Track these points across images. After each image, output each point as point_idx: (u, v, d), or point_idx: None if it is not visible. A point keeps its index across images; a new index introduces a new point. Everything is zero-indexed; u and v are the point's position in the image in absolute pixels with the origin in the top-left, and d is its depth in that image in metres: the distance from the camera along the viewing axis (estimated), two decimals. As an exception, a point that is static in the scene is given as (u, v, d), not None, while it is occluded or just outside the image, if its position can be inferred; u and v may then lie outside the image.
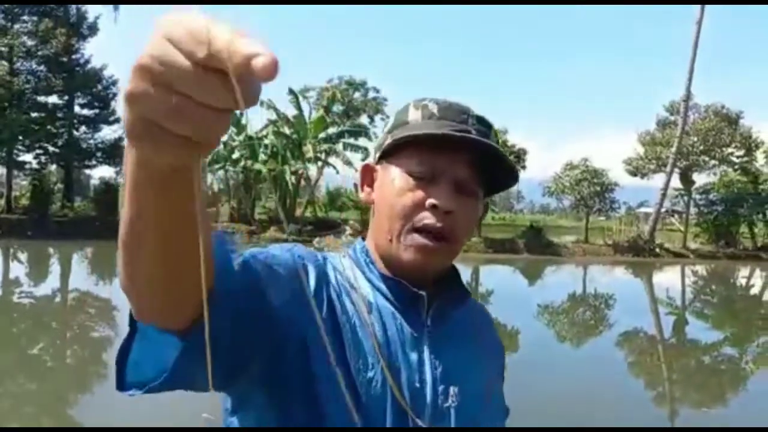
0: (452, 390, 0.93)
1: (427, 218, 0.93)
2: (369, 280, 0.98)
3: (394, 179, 0.96)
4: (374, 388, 0.87)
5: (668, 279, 22.90)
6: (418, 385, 0.90)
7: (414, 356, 0.92)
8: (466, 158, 0.95)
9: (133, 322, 0.73)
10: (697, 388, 7.87)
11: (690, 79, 29.52)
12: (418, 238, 0.93)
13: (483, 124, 0.99)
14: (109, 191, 29.40)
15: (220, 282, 0.70)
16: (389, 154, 0.99)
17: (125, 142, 0.53)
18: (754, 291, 20.36)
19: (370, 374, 0.87)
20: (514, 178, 1.00)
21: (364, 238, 1.06)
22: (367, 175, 1.04)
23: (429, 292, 0.96)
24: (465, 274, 20.12)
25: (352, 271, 0.98)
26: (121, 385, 0.74)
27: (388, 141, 0.98)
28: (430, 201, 0.93)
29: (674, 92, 36.90)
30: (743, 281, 23.05)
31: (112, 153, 32.95)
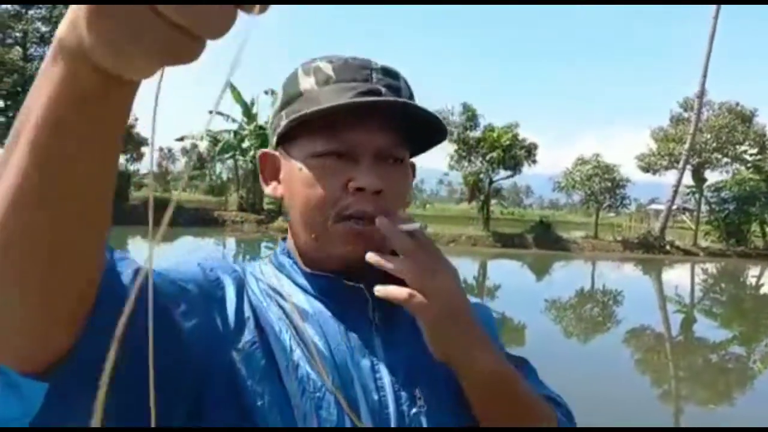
0: (417, 392, 0.78)
1: (353, 204, 0.78)
2: (297, 285, 0.83)
3: (302, 167, 0.80)
4: (326, 412, 0.72)
5: (678, 276, 22.78)
6: (376, 396, 0.75)
7: (366, 363, 0.77)
8: (381, 123, 0.79)
9: None
10: (704, 386, 7.83)
11: (704, 76, 29.27)
12: (348, 226, 0.78)
13: (390, 75, 0.83)
14: (119, 178, 29.66)
15: (108, 285, 0.58)
16: (288, 137, 0.82)
17: (50, 58, 0.44)
18: (765, 290, 20.21)
19: (318, 396, 0.72)
20: (441, 131, 0.84)
21: (284, 239, 0.90)
22: (268, 166, 0.88)
23: (368, 283, 0.80)
24: (473, 268, 20.15)
25: (276, 278, 0.83)
26: None
27: (284, 122, 0.81)
28: (353, 184, 0.77)
29: (688, 89, 36.56)
30: (753, 280, 22.88)
31: (123, 140, 33.20)
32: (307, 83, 0.81)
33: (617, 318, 12.89)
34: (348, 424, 0.71)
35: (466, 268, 20.05)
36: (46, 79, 0.44)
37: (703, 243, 30.69)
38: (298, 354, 0.74)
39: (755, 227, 31.60)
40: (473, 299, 0.94)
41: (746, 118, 31.45)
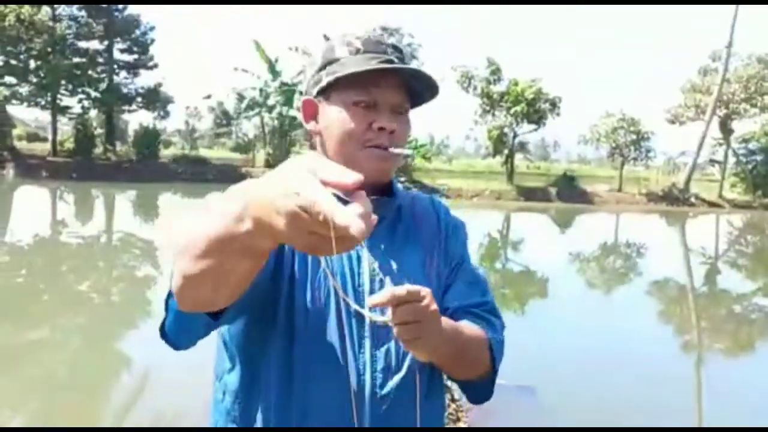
0: (388, 280, 1.12)
1: (375, 138, 1.10)
2: None
3: (341, 110, 1.12)
4: (323, 290, 1.09)
5: (702, 229, 22.68)
6: (357, 279, 1.11)
7: (353, 255, 1.13)
8: (395, 83, 1.12)
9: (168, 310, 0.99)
10: (727, 336, 7.89)
11: (733, 26, 28.59)
12: (375, 151, 1.11)
13: (397, 50, 1.15)
14: (148, 136, 29.97)
15: None
16: (328, 90, 1.14)
17: (241, 223, 0.73)
18: (791, 242, 20.09)
19: (320, 278, 1.09)
20: (434, 90, 1.17)
21: None
22: (311, 109, 1.18)
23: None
24: (497, 222, 20.28)
25: None
26: (176, 347, 1.04)
27: (328, 79, 1.12)
28: (376, 124, 1.10)
29: (718, 43, 35.62)
30: (779, 232, 22.73)
31: (151, 98, 33.44)
32: (341, 52, 1.13)
33: (640, 270, 12.96)
34: (332, 292, 1.08)
35: (489, 221, 20.22)
36: (225, 241, 0.77)
37: (729, 195, 30.40)
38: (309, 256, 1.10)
39: (783, 178, 31.22)
40: (452, 214, 1.33)
41: (776, 67, 30.74)
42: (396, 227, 1.21)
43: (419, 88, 1.16)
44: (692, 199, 28.77)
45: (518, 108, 26.62)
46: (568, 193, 27.51)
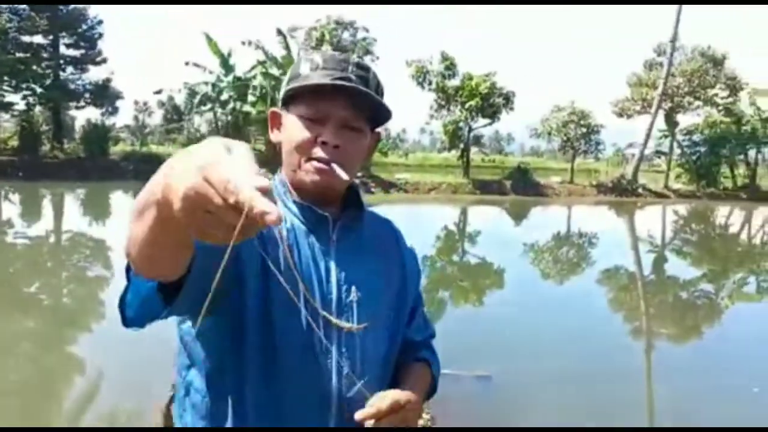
0: (353, 289, 1.18)
1: (318, 152, 1.15)
2: (286, 206, 1.20)
3: (293, 123, 1.17)
4: (293, 290, 1.09)
5: (649, 218, 23.28)
6: (325, 287, 1.16)
7: (322, 265, 1.17)
8: (345, 101, 1.15)
9: (128, 278, 0.97)
10: (674, 322, 8.13)
11: (677, 21, 29.38)
12: (315, 164, 1.15)
13: (361, 68, 1.19)
14: (97, 132, 29.25)
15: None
16: (288, 102, 1.20)
17: (157, 193, 0.69)
18: (733, 230, 20.78)
19: (290, 283, 1.08)
20: (388, 115, 1.22)
21: (280, 171, 1.27)
22: (275, 120, 1.25)
23: (334, 214, 1.21)
24: (453, 215, 20.49)
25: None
26: (125, 323, 1.00)
27: (285, 90, 1.20)
28: (320, 138, 1.15)
29: (663, 35, 36.54)
30: (722, 220, 23.49)
31: (99, 94, 32.62)
32: (304, 68, 1.18)
33: (592, 259, 13.28)
34: (303, 302, 1.11)
35: (446, 215, 20.39)
36: (150, 209, 0.73)
37: (675, 185, 31.31)
38: (279, 253, 1.11)
39: (725, 169, 32.27)
40: (407, 242, 1.42)
41: (718, 62, 31.69)
42: (362, 238, 1.26)
43: (378, 109, 1.20)
44: (640, 190, 29.54)
45: (473, 102, 26.86)
46: (522, 185, 27.93)
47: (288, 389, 1.11)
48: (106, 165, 27.38)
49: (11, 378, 5.08)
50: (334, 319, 1.13)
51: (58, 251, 11.42)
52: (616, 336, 7.28)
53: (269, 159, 28.21)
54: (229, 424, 1.12)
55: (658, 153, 38.68)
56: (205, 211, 0.60)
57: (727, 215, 24.68)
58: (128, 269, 0.94)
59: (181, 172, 0.61)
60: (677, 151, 33.22)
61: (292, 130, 1.17)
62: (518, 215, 22.25)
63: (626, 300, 9.57)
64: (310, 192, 1.18)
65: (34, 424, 4.18)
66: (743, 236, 19.16)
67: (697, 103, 32.11)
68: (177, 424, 1.22)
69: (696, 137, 32.18)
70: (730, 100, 31.70)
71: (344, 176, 1.14)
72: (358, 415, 1.10)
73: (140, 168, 27.24)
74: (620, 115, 34.17)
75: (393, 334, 1.28)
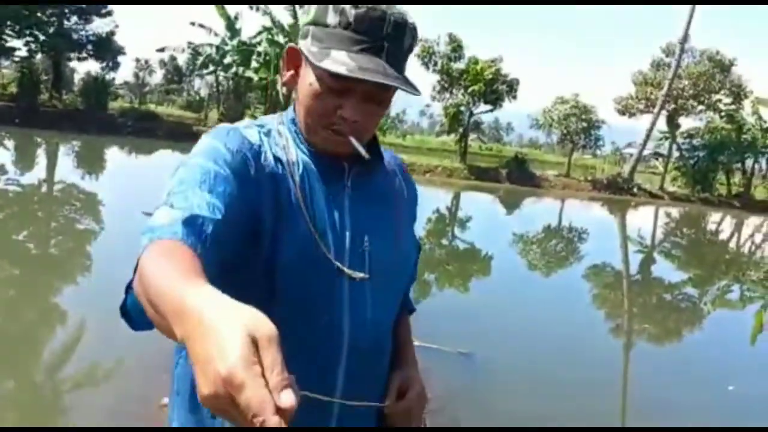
0: (366, 238, 1.14)
1: (336, 124, 1.08)
2: (300, 149, 1.14)
3: (313, 83, 1.07)
4: (305, 240, 1.07)
5: (642, 218, 23.39)
6: (338, 235, 1.11)
7: (336, 213, 1.12)
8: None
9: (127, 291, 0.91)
10: (655, 323, 8.20)
11: (689, 22, 29.25)
12: (333, 137, 1.09)
13: (398, 28, 1.05)
14: (97, 86, 29.01)
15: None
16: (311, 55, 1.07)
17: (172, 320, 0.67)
18: (723, 237, 20.90)
19: (302, 229, 1.06)
20: (415, 91, 1.10)
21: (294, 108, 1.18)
22: (292, 59, 1.13)
23: (349, 162, 1.15)
24: (446, 198, 20.50)
25: (286, 140, 1.14)
26: (133, 326, 0.93)
27: (312, 49, 1.06)
28: (340, 112, 1.06)
29: (672, 35, 36.42)
30: (713, 226, 23.60)
31: (102, 47, 32.27)
32: (332, 20, 1.04)
33: (580, 254, 13.36)
34: (315, 249, 1.07)
35: (440, 198, 20.41)
36: (167, 318, 0.69)
37: (670, 188, 31.40)
38: (293, 198, 1.08)
39: (721, 175, 32.33)
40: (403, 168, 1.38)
41: (725, 67, 31.64)
42: (376, 186, 1.22)
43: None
44: (635, 189, 29.61)
45: (476, 87, 26.75)
46: (518, 175, 27.95)
47: (293, 344, 1.05)
48: (104, 119, 27.20)
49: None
50: (346, 269, 1.09)
51: (49, 201, 11.38)
52: (596, 327, 7.37)
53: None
54: None
55: (657, 155, 38.75)
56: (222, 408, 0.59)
57: (719, 222, 24.80)
58: (129, 286, 0.90)
59: (204, 360, 0.59)
60: (676, 153, 33.26)
61: (309, 93, 1.08)
62: (511, 204, 22.29)
63: (609, 297, 9.65)
64: (323, 151, 1.14)
65: (11, 373, 4.20)
66: (732, 244, 19.27)
67: (700, 107, 32.11)
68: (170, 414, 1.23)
69: (696, 141, 32.20)
70: (733, 107, 31.69)
71: (362, 151, 1.07)
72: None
73: (138, 125, 27.09)
74: (623, 112, 34.13)
75: (401, 283, 1.27)
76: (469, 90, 27.05)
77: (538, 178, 28.79)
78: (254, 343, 0.57)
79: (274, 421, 0.54)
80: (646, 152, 34.30)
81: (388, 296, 1.20)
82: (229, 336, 0.57)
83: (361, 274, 1.11)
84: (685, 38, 29.54)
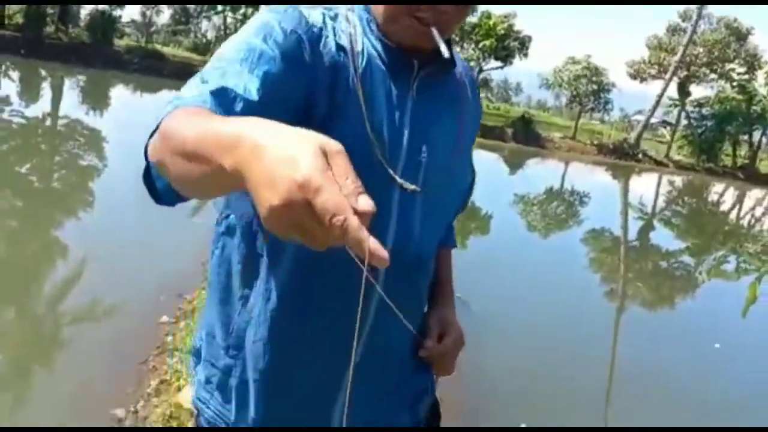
0: (424, 147, 1.03)
1: (423, 12, 0.97)
2: (368, 39, 1.01)
3: None
4: (359, 139, 0.95)
5: (644, 185, 23.36)
6: (395, 140, 1.00)
7: (396, 115, 1.01)
8: None
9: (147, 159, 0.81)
10: (650, 289, 8.30)
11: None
12: (413, 23, 0.98)
13: None
14: (103, 21, 28.60)
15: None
16: None
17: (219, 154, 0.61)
18: (724, 208, 20.92)
19: (357, 127, 0.96)
20: None
21: None
22: None
23: (420, 61, 1.03)
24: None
25: (354, 28, 1.01)
26: (156, 198, 0.84)
27: None
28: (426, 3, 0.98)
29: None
30: (715, 197, 23.62)
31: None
32: None
33: (580, 218, 13.42)
34: (370, 152, 0.97)
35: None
36: (210, 157, 0.63)
37: (675, 156, 31.28)
38: (352, 95, 0.97)
39: (727, 146, 32.19)
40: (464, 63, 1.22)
41: (741, 36, 31.19)
42: (444, 92, 1.10)
43: None
44: (640, 156, 29.49)
45: (487, 42, 26.40)
46: (524, 135, 27.80)
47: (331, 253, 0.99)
48: (110, 55, 26.87)
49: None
50: (399, 178, 0.99)
51: (53, 135, 11.35)
52: (592, 289, 7.47)
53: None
54: (256, 293, 1.02)
55: (665, 123, 38.46)
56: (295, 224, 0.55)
57: (721, 193, 24.79)
58: (147, 149, 0.80)
59: (271, 172, 0.55)
60: (684, 122, 33.02)
61: None
62: (515, 164, 22.22)
63: (606, 261, 9.72)
64: (397, 41, 1.01)
65: (13, 303, 4.27)
66: (732, 216, 19.31)
67: (713, 75, 31.73)
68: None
69: (705, 110, 31.92)
70: (746, 77, 31.31)
71: (442, 46, 0.98)
72: (423, 353, 1.12)
73: (144, 63, 26.81)
74: (634, 77, 33.74)
75: (452, 204, 1.21)
76: (480, 45, 26.69)
77: (544, 139, 28.64)
78: (324, 153, 0.55)
79: (354, 220, 0.53)
80: (654, 120, 34.04)
81: (437, 214, 1.12)
82: (299, 146, 0.55)
83: (414, 186, 1.01)
84: (703, 3, 29.00)
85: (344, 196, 0.53)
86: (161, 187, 0.81)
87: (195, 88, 0.83)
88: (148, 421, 2.89)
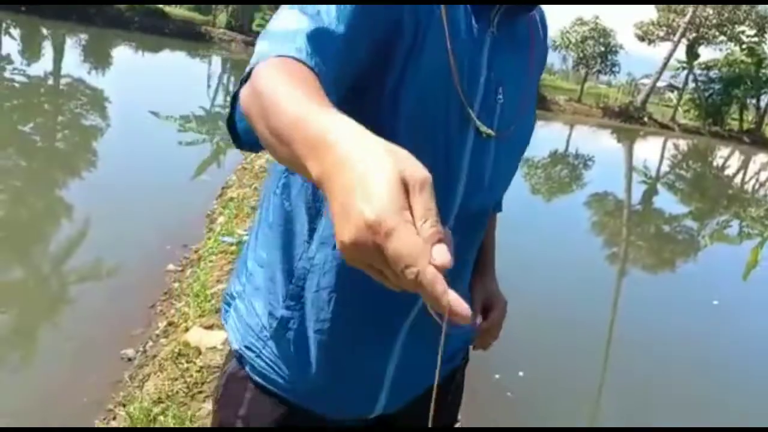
0: (500, 89, 0.97)
1: None
2: None
3: None
4: (440, 72, 0.89)
5: (649, 149, 23.25)
6: (473, 79, 0.93)
7: (475, 52, 0.94)
8: None
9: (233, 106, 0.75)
10: (652, 253, 8.33)
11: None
12: None
13: None
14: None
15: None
16: None
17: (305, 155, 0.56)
18: (728, 172, 20.85)
19: (440, 57, 0.89)
20: None
21: None
22: None
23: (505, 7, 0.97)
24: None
25: None
26: (238, 143, 0.78)
27: None
28: None
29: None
30: (720, 161, 23.52)
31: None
32: None
33: (584, 181, 13.39)
34: (449, 87, 0.90)
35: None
36: (297, 151, 0.58)
37: (681, 120, 31.06)
38: (437, 23, 0.88)
39: (735, 110, 31.94)
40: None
41: (754, -4, 30.65)
42: (522, 30, 1.04)
43: None
44: (645, 119, 29.30)
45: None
46: (529, 97, 27.60)
47: None
48: (111, 13, 26.52)
49: None
50: (476, 119, 0.93)
51: (56, 94, 11.30)
52: (594, 252, 7.50)
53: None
54: (322, 237, 0.96)
55: (671, 87, 38.08)
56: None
57: (726, 157, 24.67)
58: (235, 97, 0.75)
59: (345, 198, 0.49)
60: (691, 85, 32.69)
61: None
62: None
63: (609, 224, 9.74)
64: None
65: (18, 262, 4.32)
66: (737, 180, 19.25)
67: (722, 37, 31.26)
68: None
69: (713, 74, 31.57)
70: (756, 39, 30.86)
71: None
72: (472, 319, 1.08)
73: (146, 21, 26.50)
74: (642, 38, 33.26)
75: (521, 151, 1.12)
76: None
77: (549, 101, 28.41)
78: (405, 186, 0.49)
79: (430, 271, 0.46)
80: (661, 84, 33.71)
81: (506, 163, 1.05)
82: (378, 175, 0.48)
83: (489, 130, 0.95)
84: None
85: (421, 243, 0.47)
86: (242, 128, 0.75)
87: (293, 23, 0.76)
88: (157, 359, 2.99)
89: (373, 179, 0.48)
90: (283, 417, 1.03)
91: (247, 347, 1.03)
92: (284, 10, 0.79)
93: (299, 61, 0.71)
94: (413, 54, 0.86)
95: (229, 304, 1.11)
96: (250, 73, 0.71)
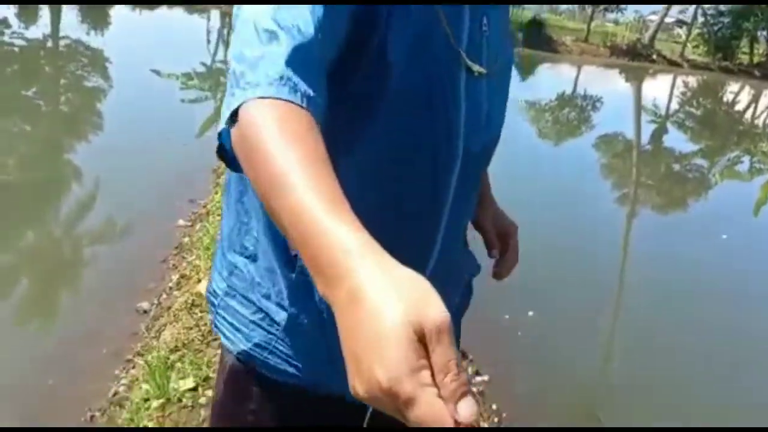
0: (484, 20, 0.93)
1: None
2: None
3: None
4: (426, 13, 0.85)
5: (658, 87, 22.90)
6: (457, 13, 0.89)
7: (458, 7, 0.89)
8: None
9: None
10: (662, 193, 8.30)
11: None
12: None
13: None
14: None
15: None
16: None
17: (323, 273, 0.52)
18: (739, 107, 20.56)
19: (423, 9, 0.85)
20: None
21: None
22: None
23: None
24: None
25: None
26: (231, 166, 0.71)
27: None
28: None
29: None
30: (731, 96, 23.17)
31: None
32: None
33: (592, 123, 13.24)
34: (436, 26, 0.87)
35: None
36: (298, 247, 0.55)
37: (690, 56, 30.49)
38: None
39: (744, 43, 31.27)
40: None
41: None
42: None
43: None
44: (654, 56, 28.77)
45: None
46: (536, 39, 27.09)
47: (408, 146, 0.90)
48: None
49: (4, 178, 5.19)
50: (467, 59, 0.89)
51: (56, 56, 11.23)
52: (603, 194, 7.51)
53: None
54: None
55: (680, 22, 37.27)
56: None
57: (737, 92, 24.28)
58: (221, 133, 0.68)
59: (356, 345, 0.47)
60: (700, 20, 31.95)
61: None
62: (526, 70, 21.78)
63: (618, 166, 9.68)
64: None
65: (29, 225, 4.36)
66: (747, 115, 18.99)
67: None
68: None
69: (722, 7, 30.80)
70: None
71: None
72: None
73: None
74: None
75: (509, 78, 1.08)
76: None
77: (555, 42, 27.91)
78: (420, 336, 0.45)
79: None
80: (669, 19, 32.95)
81: (499, 98, 1.04)
82: (390, 330, 0.45)
83: (480, 68, 0.92)
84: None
85: (443, 408, 0.44)
86: (234, 164, 0.68)
87: (264, 38, 0.68)
88: (171, 310, 3.08)
89: (385, 335, 0.45)
90: (296, 404, 1.00)
91: (256, 345, 0.96)
92: (248, 23, 0.71)
93: (288, 101, 0.64)
94: (396, 7, 0.82)
95: (215, 305, 1.03)
96: (235, 113, 0.64)
